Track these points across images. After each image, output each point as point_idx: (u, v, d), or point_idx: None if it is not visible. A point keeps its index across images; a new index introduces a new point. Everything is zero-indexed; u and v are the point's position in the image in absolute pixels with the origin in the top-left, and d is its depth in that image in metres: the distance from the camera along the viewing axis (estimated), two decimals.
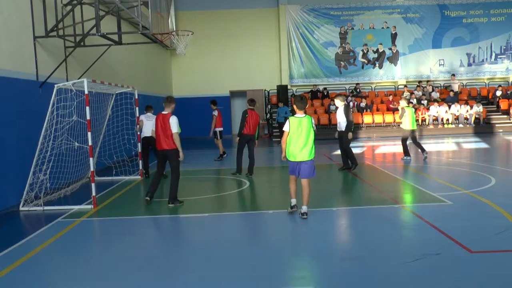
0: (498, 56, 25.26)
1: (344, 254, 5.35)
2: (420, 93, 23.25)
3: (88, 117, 8.10)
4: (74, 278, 4.82)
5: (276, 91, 23.65)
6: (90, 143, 8.19)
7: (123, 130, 12.27)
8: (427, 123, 21.60)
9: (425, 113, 21.66)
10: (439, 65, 25.00)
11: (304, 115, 6.81)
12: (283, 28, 24.41)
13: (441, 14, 24.76)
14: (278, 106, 21.05)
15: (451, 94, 22.99)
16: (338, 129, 11.29)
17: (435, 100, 22.88)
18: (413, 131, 12.75)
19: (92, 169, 8.26)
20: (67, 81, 9.75)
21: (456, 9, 24.81)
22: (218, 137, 14.20)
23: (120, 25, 11.03)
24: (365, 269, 4.78)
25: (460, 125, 21.60)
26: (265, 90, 24.49)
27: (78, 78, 10.21)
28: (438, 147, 16.19)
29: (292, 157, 6.79)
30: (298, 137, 6.68)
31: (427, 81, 24.46)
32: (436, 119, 21.89)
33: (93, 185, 8.16)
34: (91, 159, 8.27)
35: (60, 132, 8.66)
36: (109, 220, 7.41)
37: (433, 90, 23.74)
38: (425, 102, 22.49)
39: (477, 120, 21.92)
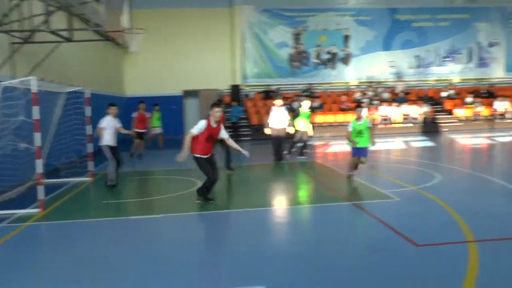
0: (444, 59, 26.36)
1: (294, 252, 5.43)
2: (372, 93, 23.90)
3: (36, 117, 7.80)
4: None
5: (229, 90, 23.66)
6: (38, 144, 7.90)
7: (74, 130, 11.89)
8: (377, 122, 22.24)
9: (375, 113, 22.28)
10: (390, 66, 25.78)
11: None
12: (236, 28, 24.39)
13: (392, 17, 25.56)
14: (231, 106, 21.10)
15: (400, 94, 23.79)
16: (277, 128, 11.96)
17: (386, 100, 23.56)
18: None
19: (39, 171, 7.97)
20: (14, 79, 9.37)
21: (405, 13, 25.69)
22: (139, 138, 13.90)
23: (71, 21, 10.70)
24: (315, 266, 4.87)
25: (409, 124, 22.40)
26: (218, 89, 24.38)
27: (26, 76, 9.81)
28: (387, 145, 16.69)
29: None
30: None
31: (378, 82, 25.17)
32: (386, 119, 22.58)
33: (40, 187, 7.82)
34: (38, 160, 7.97)
35: (5, 132, 8.31)
36: (57, 224, 7.15)
37: (383, 91, 24.44)
38: (376, 102, 23.13)
39: (425, 119, 22.79)
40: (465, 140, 17.93)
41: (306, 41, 24.88)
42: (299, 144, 13.56)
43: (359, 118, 9.38)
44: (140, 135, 14.02)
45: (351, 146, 9.53)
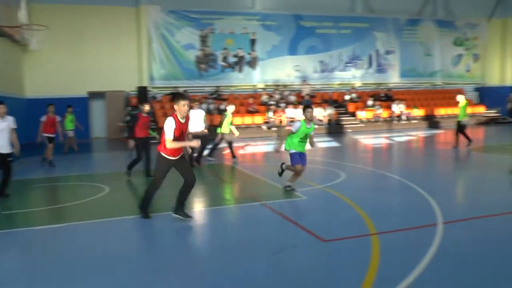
0: (346, 64, 27.73)
1: (204, 254, 5.28)
2: (278, 96, 24.43)
3: None
4: None
5: (136, 92, 22.90)
6: None
7: None
8: (284, 124, 22.72)
9: (282, 115, 22.77)
10: (295, 70, 26.54)
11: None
12: (143, 28, 23.63)
13: (297, 24, 26.36)
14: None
15: (306, 97, 24.58)
16: (194, 131, 11.69)
17: (292, 103, 24.17)
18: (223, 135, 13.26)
19: None
20: None
21: (310, 20, 26.63)
22: (48, 142, 13.14)
23: None
24: (226, 267, 4.76)
25: (315, 126, 23.12)
26: (125, 91, 23.51)
27: None
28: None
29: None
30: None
31: (284, 86, 25.79)
32: (293, 121, 23.16)
33: None
34: None
35: None
36: None
37: (289, 94, 25.07)
38: (282, 105, 23.65)
39: (329, 121, 23.75)
40: (367, 140, 18.91)
41: (213, 44, 24.79)
42: (211, 146, 13.40)
43: (309, 120, 8.26)
44: (50, 140, 13.12)
45: (287, 149, 8.30)
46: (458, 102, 14.93)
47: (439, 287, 4.10)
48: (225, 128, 13.19)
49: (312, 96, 25.38)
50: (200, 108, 13.91)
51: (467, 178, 10.24)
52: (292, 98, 24.75)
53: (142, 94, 22.17)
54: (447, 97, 29.39)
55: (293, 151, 8.18)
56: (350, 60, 27.82)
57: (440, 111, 27.05)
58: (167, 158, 6.40)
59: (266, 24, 25.71)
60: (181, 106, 6.28)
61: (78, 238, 5.98)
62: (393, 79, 29.14)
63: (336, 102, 26.32)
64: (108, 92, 23.30)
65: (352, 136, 21.43)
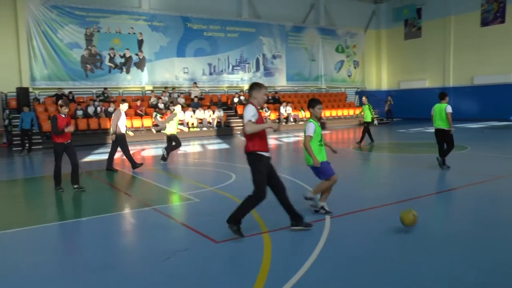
0: (235, 67, 28.20)
1: (96, 263, 4.99)
2: (167, 98, 24.07)
3: None
4: None
5: (15, 94, 20.96)
6: None
7: None
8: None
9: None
10: (184, 72, 26.36)
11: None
12: (21, 22, 21.61)
13: (184, 25, 26.19)
14: (22, 111, 18.18)
15: (195, 100, 24.53)
16: (117, 133, 11.51)
17: (181, 106, 23.96)
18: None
19: None
20: None
21: (197, 22, 26.61)
22: None
23: None
24: (119, 275, 4.57)
25: (204, 128, 23.23)
26: (2, 92, 21.39)
27: None
28: (185, 149, 16.94)
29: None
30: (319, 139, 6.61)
31: (173, 88, 25.45)
32: (182, 123, 22.96)
33: None
34: None
35: None
36: None
37: (178, 96, 24.83)
38: (172, 107, 23.32)
39: (218, 123, 23.95)
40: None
41: (99, 43, 23.64)
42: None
43: (319, 118, 6.81)
44: None
45: (313, 165, 6.54)
46: (363, 104, 16.87)
47: (327, 279, 4.30)
48: (173, 129, 13.02)
49: (200, 99, 25.42)
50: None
51: (350, 174, 10.93)
52: (182, 100, 24.54)
53: (23, 96, 20.35)
54: (332, 100, 31.46)
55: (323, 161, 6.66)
56: (238, 63, 28.38)
57: (326, 113, 28.72)
58: (263, 156, 5.48)
59: (154, 25, 25.19)
60: (262, 94, 5.86)
61: None
62: (280, 82, 30.32)
63: (225, 104, 26.66)
64: None
65: (241, 137, 21.81)
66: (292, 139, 20.17)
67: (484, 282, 4.17)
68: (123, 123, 11.77)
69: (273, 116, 25.78)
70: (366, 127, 16.62)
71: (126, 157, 11.93)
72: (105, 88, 23.44)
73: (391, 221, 6.16)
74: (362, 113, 16.95)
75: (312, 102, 6.73)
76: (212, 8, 27.29)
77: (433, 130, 10.62)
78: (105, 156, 15.32)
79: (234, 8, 28.55)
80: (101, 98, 22.70)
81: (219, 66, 27.66)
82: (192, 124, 23.11)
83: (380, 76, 36.95)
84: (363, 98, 17.33)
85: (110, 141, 12.24)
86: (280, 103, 26.83)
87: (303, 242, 5.37)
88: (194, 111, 23.43)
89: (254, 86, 5.86)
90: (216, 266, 4.71)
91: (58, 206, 8.19)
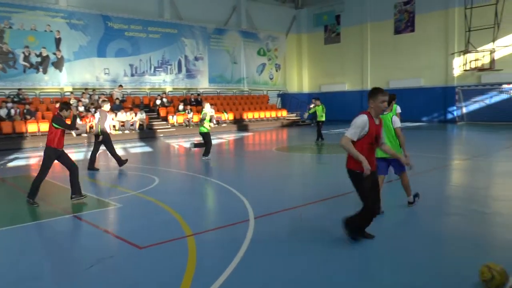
0: (157, 69, 27.83)
1: (15, 276, 4.86)
2: (87, 100, 23.28)
3: None
4: None
5: None
6: None
7: None
8: (94, 130, 21.73)
9: (92, 120, 21.77)
10: (105, 73, 25.59)
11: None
12: None
13: (105, 24, 25.41)
14: None
15: (117, 102, 23.96)
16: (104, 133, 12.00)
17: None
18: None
19: None
20: None
21: (118, 22, 25.93)
22: None
23: None
24: (41, 287, 4.50)
25: (126, 131, 22.75)
26: None
27: None
28: (107, 152, 16.52)
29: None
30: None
31: (93, 89, 24.63)
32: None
33: None
34: None
35: None
36: None
37: (99, 98, 24.07)
38: (92, 109, 22.60)
39: (141, 126, 23.57)
40: (179, 144, 19.33)
41: (11, 41, 22.19)
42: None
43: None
44: None
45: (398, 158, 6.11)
46: (313, 105, 18.77)
47: (252, 279, 4.51)
48: (206, 127, 13.73)
49: (122, 101, 24.86)
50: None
51: (274, 175, 11.29)
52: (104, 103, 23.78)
53: None
54: (254, 102, 32.05)
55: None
56: (160, 64, 28.04)
57: (248, 115, 29.25)
58: (361, 174, 5.06)
59: (72, 23, 24.17)
60: (378, 102, 5.11)
61: None
62: (203, 84, 30.39)
63: (147, 106, 26.27)
64: None
65: (164, 140, 21.65)
66: (215, 141, 20.29)
67: (403, 283, 4.61)
68: (108, 123, 12.46)
69: (196, 118, 25.76)
70: (319, 125, 18.41)
71: (112, 155, 12.51)
72: (20, 89, 22.14)
73: (313, 220, 6.54)
74: (310, 111, 18.83)
75: (378, 93, 5.27)
76: (133, 7, 26.77)
77: None
78: (21, 162, 14.71)
79: (155, 8, 28.20)
80: (15, 99, 21.46)
81: (141, 67, 27.16)
82: (114, 126, 22.53)
83: (302, 79, 38.22)
84: (316, 100, 18.93)
85: (92, 141, 12.93)
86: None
87: (228, 245, 5.55)
88: (116, 114, 22.86)
89: (370, 92, 5.26)
90: (141, 273, 4.74)
91: None
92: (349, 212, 5.61)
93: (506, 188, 8.76)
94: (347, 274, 4.58)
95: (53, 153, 8.25)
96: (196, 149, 16.39)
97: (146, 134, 23.25)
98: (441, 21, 29.04)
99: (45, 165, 8.23)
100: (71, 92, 23.79)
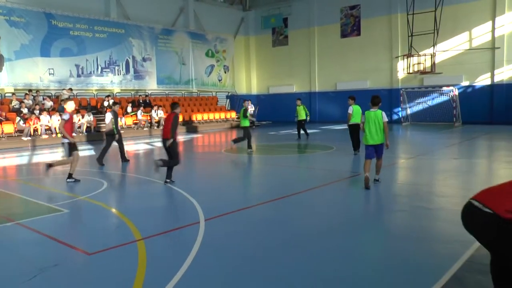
0: (104, 69, 27.12)
1: None
2: (31, 101, 22.37)
3: None
4: None
5: None
6: None
7: None
8: (39, 133, 20.98)
9: (37, 123, 20.98)
10: (49, 74, 24.63)
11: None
12: None
13: (48, 23, 24.43)
14: None
15: (62, 103, 23.16)
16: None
17: (47, 110, 22.47)
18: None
19: None
20: None
21: (62, 20, 25.02)
22: None
23: None
24: None
25: (74, 134, 21.99)
26: None
27: None
28: (51, 156, 16.00)
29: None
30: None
31: (37, 90, 23.66)
32: (50, 129, 21.57)
33: None
34: None
35: None
36: None
37: (44, 99, 23.22)
38: (37, 111, 21.74)
39: (88, 128, 22.91)
40: (128, 147, 18.93)
41: None
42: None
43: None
44: None
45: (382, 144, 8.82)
46: (298, 105, 19.64)
47: (203, 281, 4.51)
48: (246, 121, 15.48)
49: None
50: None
51: (224, 177, 11.33)
52: (49, 104, 22.98)
53: None
54: (203, 103, 31.93)
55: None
56: (107, 65, 27.34)
57: (198, 117, 29.09)
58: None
59: (13, 20, 23.01)
60: None
61: None
62: (151, 86, 29.94)
63: (95, 108, 25.55)
64: None
65: (112, 143, 21.09)
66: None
67: (342, 277, 4.75)
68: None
69: (144, 120, 25.42)
70: (301, 124, 19.42)
71: (121, 152, 14.05)
72: None
73: (264, 221, 6.62)
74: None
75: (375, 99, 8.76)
76: (78, 5, 25.93)
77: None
78: None
79: (101, 7, 27.51)
80: None
81: (88, 68, 26.36)
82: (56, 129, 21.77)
83: (250, 81, 38.43)
84: (298, 100, 20.07)
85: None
86: (152, 106, 26.49)
87: (179, 247, 5.53)
88: (61, 115, 22.06)
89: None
90: (90, 279, 4.63)
91: None
92: (297, 213, 5.72)
93: (447, 184, 9.24)
94: (296, 272, 4.67)
95: None
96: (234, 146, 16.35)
97: (94, 136, 22.62)
98: (386, 26, 30.10)
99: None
100: (13, 93, 22.72)
